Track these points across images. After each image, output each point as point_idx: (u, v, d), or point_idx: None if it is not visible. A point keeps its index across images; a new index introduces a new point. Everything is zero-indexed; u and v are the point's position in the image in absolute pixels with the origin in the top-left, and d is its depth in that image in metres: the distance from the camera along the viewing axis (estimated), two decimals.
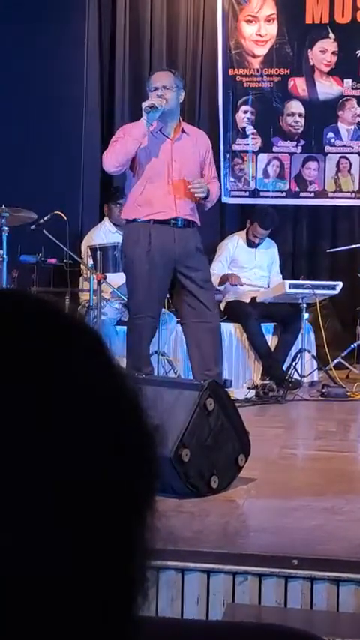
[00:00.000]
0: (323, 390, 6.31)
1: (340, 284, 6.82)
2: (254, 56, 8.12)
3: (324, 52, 8.03)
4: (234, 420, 3.62)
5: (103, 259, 6.05)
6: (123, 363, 4.81)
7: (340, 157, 8.05)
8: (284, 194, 8.15)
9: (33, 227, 6.10)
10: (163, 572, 2.61)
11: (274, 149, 8.13)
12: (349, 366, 7.00)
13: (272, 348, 6.84)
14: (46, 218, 6.14)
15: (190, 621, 1.28)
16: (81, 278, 6.90)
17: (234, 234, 7.41)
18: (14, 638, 0.54)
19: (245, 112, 8.13)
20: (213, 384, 3.64)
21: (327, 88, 8.05)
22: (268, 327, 6.92)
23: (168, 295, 5.57)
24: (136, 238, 5.21)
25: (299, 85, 8.08)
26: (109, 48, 8.21)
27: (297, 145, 8.10)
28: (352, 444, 4.99)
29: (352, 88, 8.01)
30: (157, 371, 5.82)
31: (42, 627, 0.55)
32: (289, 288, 6.66)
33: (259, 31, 8.08)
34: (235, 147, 8.15)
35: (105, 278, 6.05)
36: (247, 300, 7.00)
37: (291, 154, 8.12)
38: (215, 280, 6.51)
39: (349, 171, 8.04)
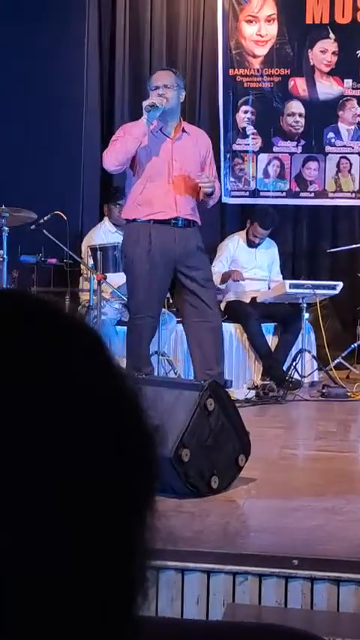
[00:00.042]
0: (323, 390, 6.31)
1: (340, 284, 6.82)
2: (254, 56, 8.12)
3: (324, 52, 8.04)
4: (234, 420, 3.62)
5: (103, 259, 6.05)
6: (123, 363, 4.81)
7: (341, 157, 8.05)
8: (284, 194, 8.15)
9: (33, 227, 6.10)
10: (163, 572, 2.61)
11: (275, 149, 8.13)
12: (349, 366, 7.00)
13: (272, 349, 6.84)
14: (46, 218, 6.14)
15: (190, 621, 1.28)
16: (81, 278, 6.90)
17: (234, 234, 7.41)
18: (14, 638, 0.54)
19: (245, 112, 8.13)
20: (213, 384, 3.64)
21: (327, 88, 8.05)
22: (268, 327, 6.92)
23: (169, 295, 5.57)
24: (137, 238, 5.21)
25: (299, 85, 8.08)
26: (109, 48, 8.21)
27: (297, 145, 8.10)
28: (352, 444, 4.99)
29: (353, 88, 8.01)
30: (157, 371, 5.82)
31: (42, 627, 0.55)
32: (290, 288, 6.66)
33: (260, 31, 8.08)
34: (235, 147, 8.15)
35: (105, 278, 6.05)
36: (248, 301, 7.00)
37: (291, 154, 8.12)
38: (216, 279, 6.51)
39: (349, 171, 8.04)
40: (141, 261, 5.16)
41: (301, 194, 8.13)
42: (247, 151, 8.15)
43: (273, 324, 6.96)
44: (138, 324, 5.26)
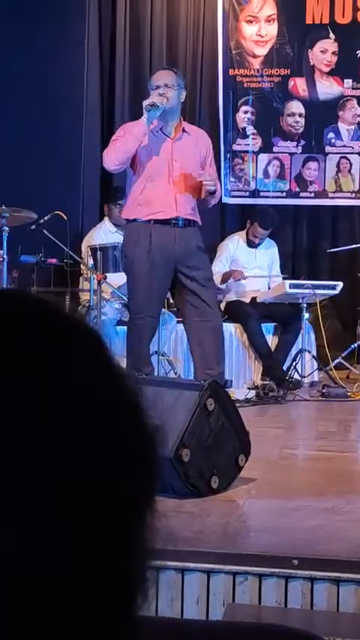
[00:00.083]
0: (323, 390, 6.31)
1: (340, 284, 6.82)
2: (254, 56, 8.12)
3: (324, 52, 8.03)
4: (234, 420, 3.62)
5: (104, 259, 6.05)
6: (123, 363, 4.81)
7: (341, 157, 8.05)
8: (284, 194, 8.15)
9: (33, 227, 6.10)
10: (163, 572, 2.61)
11: (275, 149, 8.13)
12: (349, 366, 7.00)
13: (272, 348, 6.83)
14: (46, 218, 6.14)
15: (190, 621, 1.28)
16: (81, 278, 6.90)
17: (234, 234, 7.41)
18: (14, 638, 0.54)
19: (245, 112, 8.13)
20: (213, 384, 3.64)
21: (327, 88, 8.05)
22: (268, 327, 6.92)
23: (169, 295, 5.57)
24: (137, 238, 5.21)
25: (299, 85, 8.08)
26: (110, 48, 8.21)
27: (297, 145, 8.10)
28: (352, 444, 4.99)
29: (353, 88, 8.01)
30: (158, 371, 5.82)
31: (42, 627, 0.55)
32: (290, 288, 6.66)
33: (260, 31, 8.08)
34: (235, 147, 8.15)
35: (105, 278, 6.05)
36: (248, 301, 7.00)
37: (291, 154, 8.12)
38: (217, 279, 6.51)
39: (349, 171, 8.04)
40: (141, 261, 5.17)
41: (301, 194, 8.13)
42: (247, 151, 8.15)
43: (273, 324, 6.96)
44: (138, 324, 5.26)
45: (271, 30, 8.08)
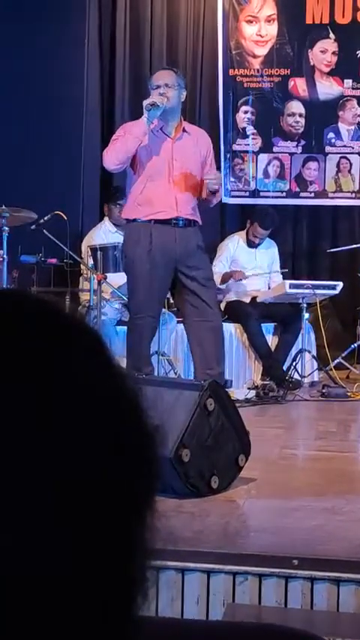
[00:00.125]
0: (323, 390, 6.31)
1: (340, 284, 6.82)
2: (254, 56, 8.12)
3: (324, 52, 8.03)
4: (234, 420, 3.62)
5: (104, 259, 6.05)
6: (123, 363, 4.81)
7: (341, 157, 8.05)
8: (284, 194, 8.15)
9: (33, 227, 6.10)
10: (163, 572, 2.61)
11: (275, 149, 8.13)
12: (349, 366, 7.00)
13: (272, 348, 6.84)
14: (46, 218, 6.14)
15: (190, 621, 1.28)
16: (81, 278, 6.90)
17: (234, 234, 7.41)
18: (14, 638, 0.54)
19: (245, 112, 8.13)
20: (213, 384, 3.63)
21: (327, 88, 8.05)
22: (268, 327, 6.92)
23: (169, 295, 5.57)
24: (137, 238, 5.21)
25: (299, 85, 8.08)
26: (110, 48, 8.21)
27: (297, 145, 8.10)
28: (352, 444, 4.99)
29: (353, 88, 8.01)
30: (157, 371, 5.82)
31: (42, 627, 0.55)
32: (290, 288, 6.66)
33: (260, 31, 8.08)
34: (235, 147, 8.15)
35: (105, 278, 6.05)
36: (248, 300, 7.00)
37: (291, 154, 8.12)
38: (217, 279, 6.51)
39: (349, 171, 8.04)
40: (142, 261, 5.16)
41: (301, 194, 8.13)
42: (247, 151, 8.15)
43: (273, 324, 6.96)
44: (138, 323, 5.26)
45: (271, 30, 8.08)
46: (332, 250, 7.81)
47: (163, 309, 5.76)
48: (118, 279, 6.11)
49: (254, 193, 8.15)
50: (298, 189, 8.13)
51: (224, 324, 5.77)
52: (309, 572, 2.63)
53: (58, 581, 0.55)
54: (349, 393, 6.29)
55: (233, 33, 8.10)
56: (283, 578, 2.64)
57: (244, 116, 8.13)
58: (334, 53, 8.02)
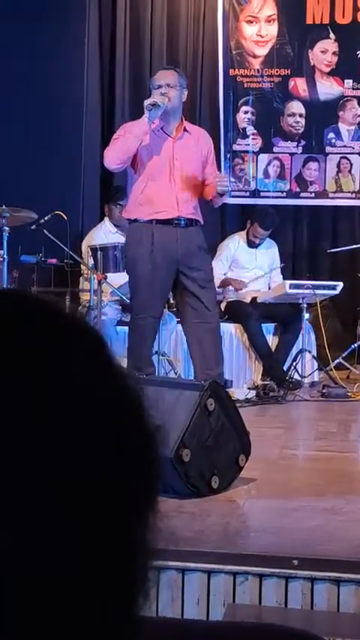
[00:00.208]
0: (324, 391, 6.31)
1: (340, 284, 6.82)
2: (255, 56, 8.12)
3: (324, 53, 8.03)
4: (234, 420, 3.62)
5: (104, 259, 6.05)
6: (124, 363, 4.80)
7: (341, 158, 8.05)
8: (284, 194, 8.15)
9: (33, 227, 6.10)
10: (163, 572, 2.61)
11: (275, 149, 8.13)
12: (349, 366, 7.00)
13: (273, 349, 6.83)
14: (46, 218, 6.14)
15: (190, 621, 1.28)
16: (81, 278, 6.90)
17: (234, 234, 7.41)
18: (14, 638, 0.54)
19: (246, 112, 8.13)
20: (213, 384, 3.64)
21: (327, 89, 8.05)
22: (268, 328, 6.92)
23: (170, 295, 5.57)
24: (139, 238, 5.21)
25: (300, 85, 8.08)
26: (110, 47, 8.21)
27: (297, 146, 8.10)
28: (352, 444, 4.99)
29: (353, 89, 8.01)
30: (158, 371, 5.82)
31: (42, 627, 0.55)
32: (290, 288, 6.66)
33: (260, 32, 8.08)
34: (235, 147, 8.15)
35: (105, 278, 6.05)
36: (248, 301, 7.00)
37: (291, 154, 8.12)
38: (216, 281, 6.50)
39: (349, 171, 8.04)
40: (143, 261, 5.16)
41: (302, 194, 8.13)
42: (247, 152, 8.15)
43: (273, 325, 6.96)
44: (140, 324, 5.26)
45: (272, 30, 8.08)
46: (332, 250, 7.81)
47: (164, 310, 5.76)
48: (118, 279, 6.11)
49: (254, 193, 8.15)
50: (298, 190, 8.13)
51: (224, 324, 5.78)
52: (309, 573, 2.63)
53: (58, 581, 0.55)
54: (349, 394, 6.29)
55: (233, 33, 8.10)
56: (283, 578, 2.64)
57: (244, 116, 8.13)
58: (334, 53, 8.01)
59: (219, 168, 6.98)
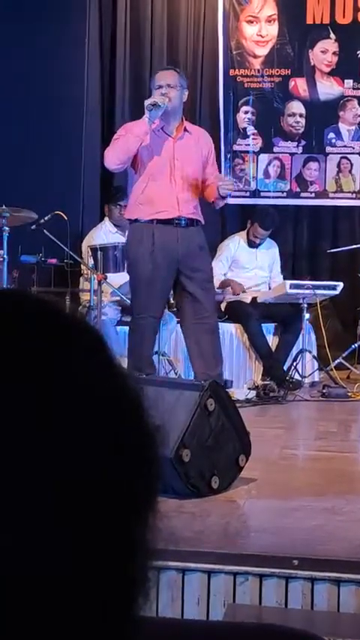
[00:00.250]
0: (324, 391, 6.31)
1: (340, 284, 6.82)
2: (255, 56, 8.12)
3: (325, 53, 8.03)
4: (234, 420, 3.61)
5: (104, 259, 6.05)
6: (124, 363, 4.80)
7: (341, 158, 8.05)
8: (285, 194, 8.15)
9: (33, 227, 6.10)
10: (163, 572, 2.61)
11: (275, 149, 8.13)
12: (349, 366, 7.00)
13: (273, 349, 6.83)
14: (46, 218, 6.14)
15: (190, 621, 1.28)
16: (81, 278, 6.90)
17: (235, 234, 7.41)
18: (14, 638, 0.54)
19: (246, 112, 8.13)
20: (213, 384, 3.63)
21: (328, 89, 8.05)
22: (268, 328, 6.92)
23: (170, 295, 5.57)
24: (140, 238, 5.21)
25: (300, 85, 8.08)
26: (110, 47, 8.21)
27: (298, 146, 8.10)
28: (352, 444, 4.99)
29: (353, 89, 8.01)
30: (158, 371, 5.82)
31: (42, 627, 0.55)
32: (290, 288, 6.66)
33: (260, 32, 8.08)
34: (235, 147, 8.15)
35: (106, 278, 6.05)
36: (248, 301, 7.00)
37: (292, 154, 8.12)
38: (215, 281, 6.50)
39: (349, 171, 8.04)
40: (144, 261, 5.16)
41: (302, 194, 8.13)
42: (247, 152, 8.15)
43: (273, 325, 6.96)
44: (140, 324, 5.26)
45: (272, 30, 8.08)
46: (332, 250, 7.81)
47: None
48: (118, 279, 6.11)
49: (255, 193, 8.15)
50: (298, 190, 8.13)
51: (225, 324, 5.77)
52: (309, 573, 2.63)
53: (58, 581, 0.55)
54: (349, 394, 6.29)
55: (234, 33, 8.10)
56: (283, 578, 2.64)
57: (244, 116, 8.13)
58: (334, 53, 8.02)
59: (219, 169, 6.99)
